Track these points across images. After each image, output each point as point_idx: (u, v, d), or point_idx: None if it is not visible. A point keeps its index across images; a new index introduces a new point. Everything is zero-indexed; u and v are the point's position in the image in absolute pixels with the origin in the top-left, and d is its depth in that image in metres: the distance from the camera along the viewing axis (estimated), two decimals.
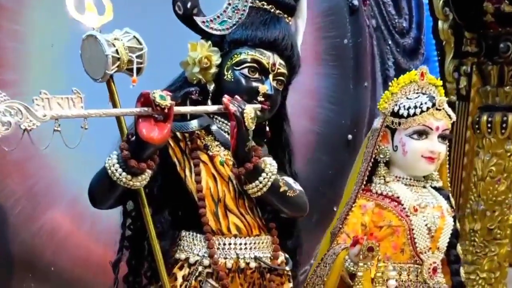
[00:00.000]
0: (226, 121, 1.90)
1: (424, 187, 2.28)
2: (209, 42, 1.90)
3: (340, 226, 2.20)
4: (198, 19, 1.88)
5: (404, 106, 2.20)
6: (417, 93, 2.24)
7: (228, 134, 1.90)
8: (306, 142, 3.07)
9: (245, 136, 1.75)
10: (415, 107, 2.18)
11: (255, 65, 1.89)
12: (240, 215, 1.87)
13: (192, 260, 1.86)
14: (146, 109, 1.63)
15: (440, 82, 2.31)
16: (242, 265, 1.86)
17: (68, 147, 1.53)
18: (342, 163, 3.15)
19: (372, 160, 2.24)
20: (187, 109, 1.75)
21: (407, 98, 2.22)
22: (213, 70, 1.88)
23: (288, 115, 2.10)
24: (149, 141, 1.61)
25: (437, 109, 2.19)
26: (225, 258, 1.85)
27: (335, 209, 3.14)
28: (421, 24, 3.59)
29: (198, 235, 1.87)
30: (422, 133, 2.20)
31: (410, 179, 2.25)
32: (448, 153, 2.31)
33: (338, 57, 3.20)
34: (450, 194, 2.33)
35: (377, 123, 2.27)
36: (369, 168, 2.24)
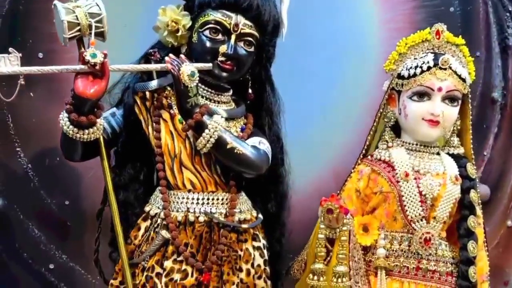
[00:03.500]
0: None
1: (438, 153, 2.11)
2: (181, 7, 2.00)
3: (339, 192, 2.14)
4: None
5: (407, 66, 2.07)
6: (426, 53, 2.08)
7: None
8: None
9: (184, 92, 1.83)
10: (416, 66, 2.04)
11: (216, 26, 1.95)
12: (195, 171, 1.94)
13: (152, 212, 1.98)
14: (83, 66, 1.78)
15: (462, 41, 2.12)
16: (191, 218, 1.93)
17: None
18: None
19: (375, 124, 2.15)
20: (126, 67, 1.87)
21: (414, 58, 2.08)
22: (181, 33, 1.97)
23: (272, 78, 2.10)
24: (82, 95, 1.77)
25: (440, 68, 2.03)
26: (177, 211, 1.94)
27: None
28: None
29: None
30: (422, 95, 2.05)
31: (417, 145, 2.10)
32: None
33: None
34: (470, 163, 2.13)
35: (385, 85, 2.15)
36: (371, 133, 2.15)
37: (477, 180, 2.17)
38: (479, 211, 2.13)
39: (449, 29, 2.97)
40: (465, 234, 2.05)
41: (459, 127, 2.15)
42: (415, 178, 2.03)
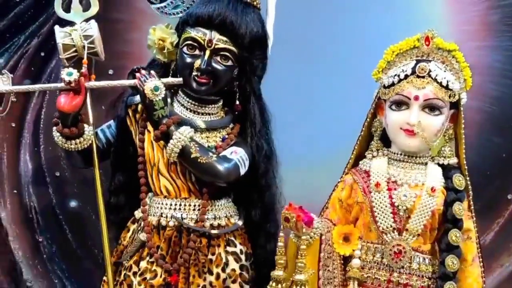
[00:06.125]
0: (183, 95, 2.13)
1: (426, 163, 2.03)
2: (170, 25, 2.15)
3: (327, 200, 2.14)
4: (154, 6, 2.16)
5: (389, 75, 2.02)
6: (412, 60, 2.01)
7: (183, 106, 2.13)
8: (472, 122, 2.84)
9: (148, 105, 1.98)
10: (395, 75, 1.99)
11: (193, 43, 2.08)
12: (170, 178, 2.08)
13: (137, 216, 2.15)
14: (63, 84, 2.00)
15: (455, 46, 2.01)
16: (163, 223, 2.07)
17: None
18: None
19: (362, 133, 2.11)
20: (102, 83, 2.05)
21: (398, 67, 2.02)
22: (167, 50, 2.12)
23: (258, 90, 2.17)
24: (61, 110, 2.00)
25: (418, 76, 1.96)
26: (153, 216, 2.09)
27: (509, 197, 2.86)
28: None
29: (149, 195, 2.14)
30: (400, 104, 1.98)
31: (401, 155, 2.03)
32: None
33: None
34: (459, 174, 2.00)
35: (374, 94, 2.11)
36: (358, 142, 2.12)
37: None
38: (470, 224, 2.01)
39: None
40: (446, 248, 1.95)
41: (451, 136, 2.05)
42: (388, 189, 1.98)
